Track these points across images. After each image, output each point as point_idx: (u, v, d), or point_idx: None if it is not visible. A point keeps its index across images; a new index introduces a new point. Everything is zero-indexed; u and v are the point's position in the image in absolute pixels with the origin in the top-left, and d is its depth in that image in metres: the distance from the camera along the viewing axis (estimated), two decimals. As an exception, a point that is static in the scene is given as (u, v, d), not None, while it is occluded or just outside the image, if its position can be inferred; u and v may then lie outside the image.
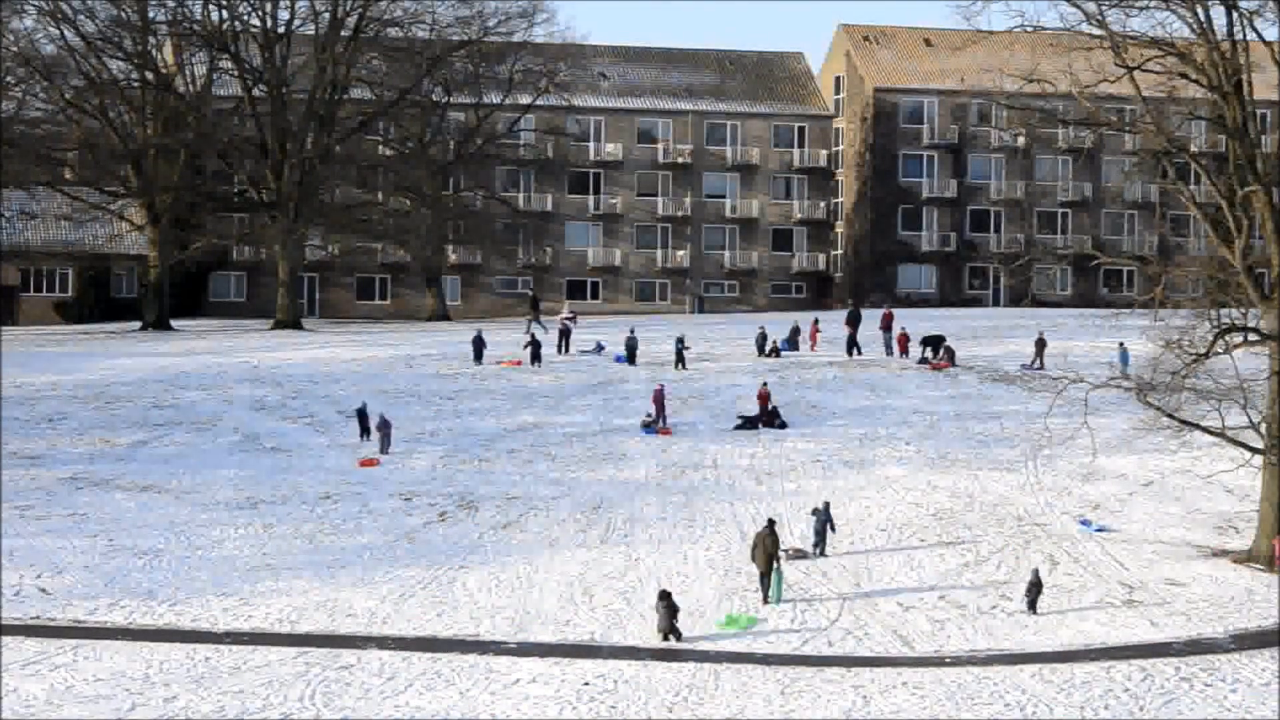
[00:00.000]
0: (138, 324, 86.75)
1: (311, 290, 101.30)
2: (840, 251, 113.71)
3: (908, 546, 40.62)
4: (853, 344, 65.27)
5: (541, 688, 30.86)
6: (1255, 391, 40.09)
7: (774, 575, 36.37)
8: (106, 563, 38.54)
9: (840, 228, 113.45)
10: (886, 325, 67.00)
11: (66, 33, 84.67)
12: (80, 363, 64.74)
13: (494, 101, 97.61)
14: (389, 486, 45.56)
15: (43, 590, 36.52)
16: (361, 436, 50.66)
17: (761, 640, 34.01)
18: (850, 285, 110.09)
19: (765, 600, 36.29)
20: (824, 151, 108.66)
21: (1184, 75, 41.21)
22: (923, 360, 63.19)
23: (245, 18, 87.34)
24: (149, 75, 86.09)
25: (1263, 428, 39.47)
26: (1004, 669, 32.53)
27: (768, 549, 36.39)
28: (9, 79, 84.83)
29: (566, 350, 66.10)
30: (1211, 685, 31.28)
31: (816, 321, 70.37)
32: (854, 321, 66.56)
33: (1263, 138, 49.53)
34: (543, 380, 59.40)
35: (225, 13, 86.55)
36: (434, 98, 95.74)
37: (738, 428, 52.37)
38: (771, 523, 37.44)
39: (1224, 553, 40.39)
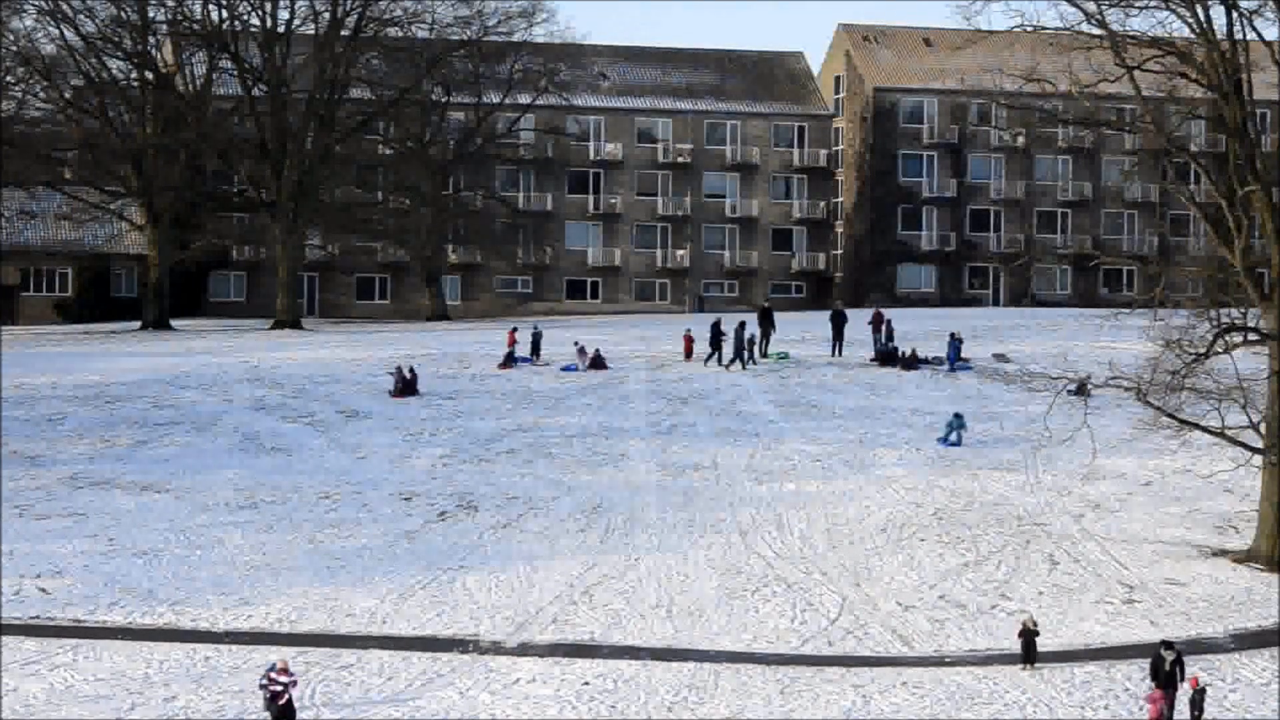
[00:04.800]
0: (137, 324, 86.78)
1: (311, 290, 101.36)
2: (840, 251, 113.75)
3: (908, 546, 40.62)
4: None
5: (541, 688, 30.87)
6: (1255, 391, 40.09)
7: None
8: (106, 563, 38.54)
9: (840, 227, 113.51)
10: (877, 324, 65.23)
11: (66, 32, 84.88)
12: (80, 363, 64.72)
13: (494, 101, 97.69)
14: (389, 486, 45.57)
15: (43, 590, 36.52)
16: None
17: (761, 640, 34.04)
18: (850, 285, 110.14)
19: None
20: (824, 151, 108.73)
21: (1184, 75, 41.21)
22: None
23: (245, 17, 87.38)
24: (149, 75, 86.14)
25: (1262, 427, 39.48)
26: (1004, 669, 32.54)
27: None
28: (9, 79, 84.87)
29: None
30: (1211, 685, 31.28)
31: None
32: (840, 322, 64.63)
33: (1263, 138, 49.64)
34: (543, 380, 59.38)
35: (225, 12, 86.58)
36: (434, 97, 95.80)
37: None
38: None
39: (1224, 553, 40.40)
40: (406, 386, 56.16)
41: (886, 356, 62.47)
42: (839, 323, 64.11)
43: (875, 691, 30.90)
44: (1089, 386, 45.96)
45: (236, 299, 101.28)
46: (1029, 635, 32.67)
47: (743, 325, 61.85)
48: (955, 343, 61.98)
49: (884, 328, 64.64)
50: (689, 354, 63.20)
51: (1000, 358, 63.02)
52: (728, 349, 61.12)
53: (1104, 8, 41.29)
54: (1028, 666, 32.45)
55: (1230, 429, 39.54)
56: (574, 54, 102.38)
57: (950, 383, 59.43)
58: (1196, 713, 29.47)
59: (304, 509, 43.33)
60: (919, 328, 70.15)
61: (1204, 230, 48.18)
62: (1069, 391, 47.40)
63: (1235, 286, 40.60)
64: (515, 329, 65.10)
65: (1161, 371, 39.17)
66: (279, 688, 28.13)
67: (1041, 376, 48.66)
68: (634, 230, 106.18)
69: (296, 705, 28.43)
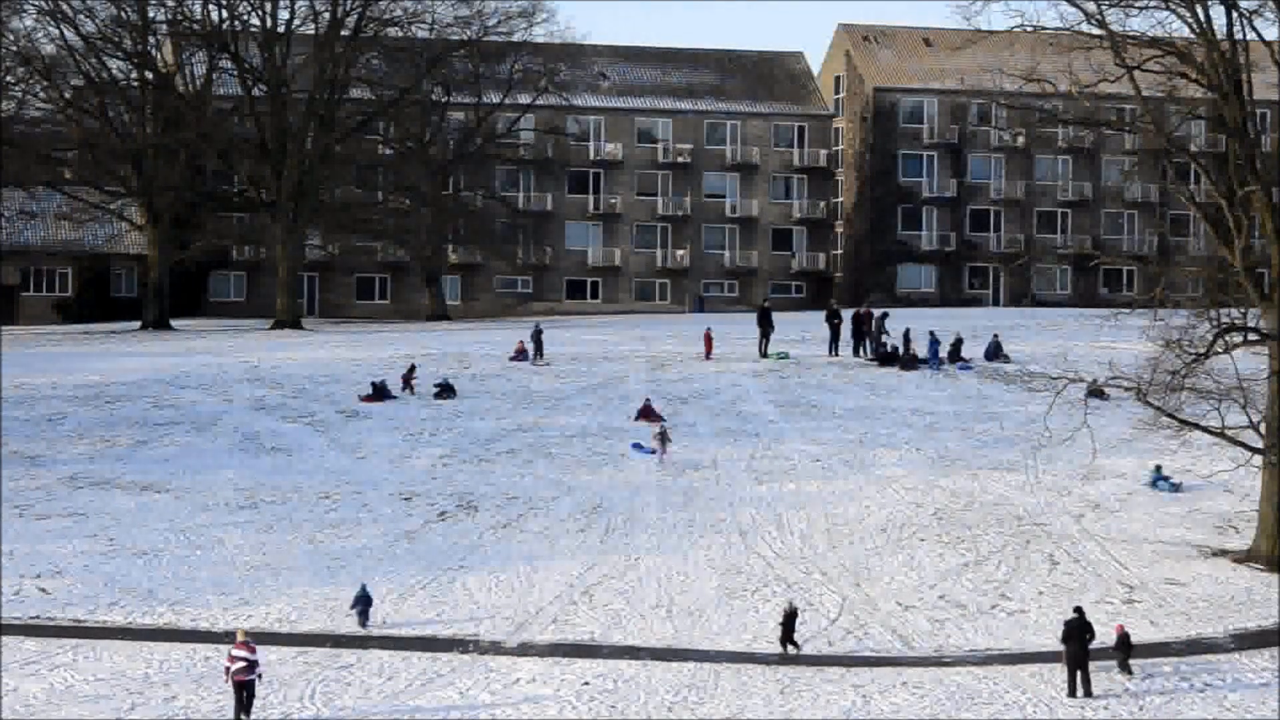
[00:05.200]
0: (137, 324, 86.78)
1: (311, 290, 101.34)
2: (840, 251, 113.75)
3: (908, 546, 40.62)
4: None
5: (541, 688, 30.90)
6: (1255, 391, 40.10)
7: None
8: (106, 563, 38.55)
9: (840, 227, 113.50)
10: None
11: (66, 32, 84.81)
12: (80, 363, 64.71)
13: (494, 101, 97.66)
14: (389, 486, 45.57)
15: (43, 590, 36.53)
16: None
17: (761, 640, 34.04)
18: (850, 285, 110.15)
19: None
20: (824, 151, 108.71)
21: (1184, 75, 41.23)
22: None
23: (245, 17, 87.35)
24: (149, 75, 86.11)
25: (1262, 427, 39.48)
26: (1004, 669, 32.57)
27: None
28: (9, 79, 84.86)
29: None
30: (1211, 685, 31.31)
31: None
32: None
33: (1263, 138, 49.64)
34: (543, 380, 59.37)
35: (225, 12, 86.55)
36: (434, 97, 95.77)
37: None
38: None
39: (1224, 553, 40.41)
40: (378, 392, 55.85)
41: (886, 357, 62.45)
42: (836, 323, 64.14)
43: (875, 691, 30.92)
44: (1100, 387, 45.95)
45: (236, 299, 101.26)
46: (789, 619, 33.31)
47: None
48: (934, 342, 62.13)
49: (865, 326, 64.35)
50: (709, 353, 63.22)
51: (1000, 357, 62.99)
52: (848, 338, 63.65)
53: (1104, 8, 41.33)
54: (790, 646, 33.13)
55: (1230, 429, 39.54)
56: (574, 54, 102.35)
57: (950, 383, 59.43)
58: (1122, 654, 32.16)
59: (304, 509, 43.33)
60: (919, 328, 70.04)
61: (1204, 230, 48.22)
62: (1085, 395, 47.38)
63: (1235, 286, 40.61)
64: (522, 341, 64.14)
65: (1161, 371, 39.17)
66: (240, 664, 27.98)
67: (1041, 376, 48.73)
68: (634, 230, 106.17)
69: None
